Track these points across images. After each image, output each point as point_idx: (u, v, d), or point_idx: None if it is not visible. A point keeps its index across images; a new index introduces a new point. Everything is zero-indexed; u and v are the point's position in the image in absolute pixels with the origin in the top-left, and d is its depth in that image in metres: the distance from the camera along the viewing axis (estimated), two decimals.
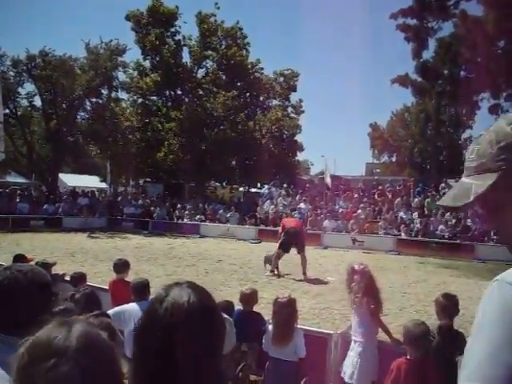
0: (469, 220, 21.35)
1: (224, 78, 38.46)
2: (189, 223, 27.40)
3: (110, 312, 4.80)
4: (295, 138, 39.54)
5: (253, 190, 38.82)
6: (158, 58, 37.38)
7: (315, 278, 13.68)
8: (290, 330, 5.05)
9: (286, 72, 41.26)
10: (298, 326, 5.25)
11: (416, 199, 24.96)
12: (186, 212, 28.41)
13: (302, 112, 42.05)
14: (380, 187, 28.38)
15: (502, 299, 1.07)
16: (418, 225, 22.05)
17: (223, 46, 38.24)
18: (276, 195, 29.70)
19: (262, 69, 40.50)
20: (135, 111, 37.55)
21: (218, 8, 38.26)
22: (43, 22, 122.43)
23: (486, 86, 26.73)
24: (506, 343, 1.02)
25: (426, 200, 24.18)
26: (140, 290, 5.46)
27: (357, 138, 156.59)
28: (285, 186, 30.48)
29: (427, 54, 27.85)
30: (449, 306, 4.81)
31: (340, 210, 25.80)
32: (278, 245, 14.32)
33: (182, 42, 38.59)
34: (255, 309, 5.90)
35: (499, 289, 1.09)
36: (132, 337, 1.54)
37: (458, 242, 20.48)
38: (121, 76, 34.83)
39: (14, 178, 37.94)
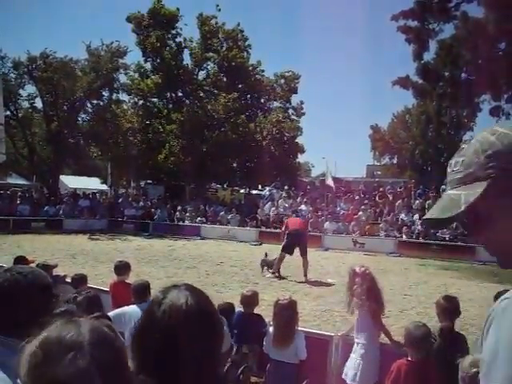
0: None
1: (225, 79, 38.46)
2: (189, 225, 27.40)
3: (110, 314, 4.80)
4: (296, 140, 39.50)
5: (254, 191, 38.80)
6: (158, 60, 37.39)
7: (316, 280, 13.67)
8: (290, 332, 5.05)
9: (286, 74, 41.24)
10: (299, 328, 5.25)
11: (417, 201, 24.92)
12: (187, 214, 28.42)
13: (303, 114, 42.04)
14: (381, 189, 28.38)
15: None
16: (419, 227, 22.01)
17: (224, 48, 38.24)
18: (277, 197, 29.69)
19: (263, 71, 40.56)
20: (136, 113, 37.54)
21: (219, 10, 38.37)
22: (44, 24, 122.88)
23: (487, 87, 26.69)
24: None
25: (427, 202, 24.11)
26: (140, 292, 5.45)
27: (357, 140, 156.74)
28: (286, 187, 30.46)
29: (428, 56, 27.80)
30: (450, 308, 4.81)
31: (341, 212, 25.79)
32: (281, 248, 14.29)
33: (183, 44, 38.62)
34: (256, 311, 5.90)
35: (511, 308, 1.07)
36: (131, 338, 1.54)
37: (458, 243, 20.44)
38: (122, 78, 34.90)
39: (14, 180, 37.95)
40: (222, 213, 28.12)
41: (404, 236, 22.05)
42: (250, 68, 39.18)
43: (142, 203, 30.69)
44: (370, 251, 21.15)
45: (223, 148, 33.29)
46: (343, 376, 5.13)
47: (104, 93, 32.86)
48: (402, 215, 23.49)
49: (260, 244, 23.26)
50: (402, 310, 10.05)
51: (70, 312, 3.24)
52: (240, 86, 38.03)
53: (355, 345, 5.14)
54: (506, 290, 1.17)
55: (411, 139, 53.10)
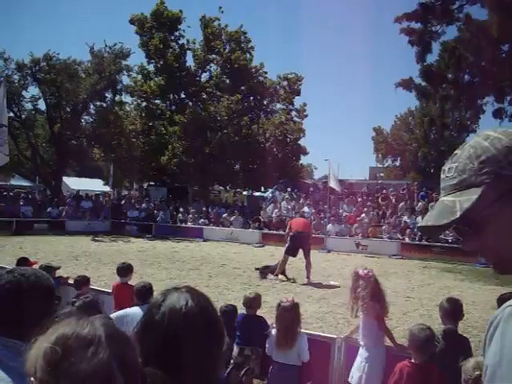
0: None
1: (228, 81, 38.51)
2: (192, 227, 27.41)
3: (112, 315, 4.81)
4: (299, 142, 39.48)
5: (256, 193, 38.79)
6: (161, 62, 37.48)
7: (319, 282, 13.65)
8: (293, 334, 5.05)
9: (289, 76, 41.21)
10: (302, 331, 5.24)
11: (420, 203, 24.88)
12: (190, 216, 28.43)
13: (306, 116, 41.99)
14: (384, 191, 28.37)
15: None
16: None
17: (227, 50, 38.29)
18: (280, 199, 29.70)
19: (266, 72, 40.55)
20: (139, 115, 37.60)
21: (222, 12, 38.51)
22: (47, 26, 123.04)
23: (490, 89, 26.68)
24: None
25: (430, 204, 24.07)
26: (143, 294, 5.46)
27: (360, 142, 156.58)
28: (288, 189, 30.49)
29: (431, 58, 27.79)
30: (453, 310, 4.80)
31: (344, 214, 25.77)
32: (284, 250, 14.26)
33: (186, 46, 38.74)
34: (258, 313, 5.90)
35: None
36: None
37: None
38: (125, 80, 34.92)
39: (17, 181, 37.96)
40: (225, 215, 28.12)
41: (407, 238, 22.01)
42: (253, 70, 39.20)
43: (144, 205, 30.69)
44: (373, 253, 21.12)
45: (226, 150, 33.32)
46: (349, 379, 5.13)
47: (107, 94, 32.86)
48: (405, 217, 23.45)
49: (263, 246, 23.29)
50: (405, 313, 10.03)
51: (72, 314, 3.24)
52: (243, 87, 38.03)
53: (360, 348, 5.14)
54: (510, 293, 1.16)
55: (414, 141, 53.14)
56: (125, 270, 7.22)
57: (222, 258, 18.42)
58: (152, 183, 39.60)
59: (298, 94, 41.49)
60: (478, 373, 2.94)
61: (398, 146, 59.03)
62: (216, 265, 16.61)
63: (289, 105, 41.50)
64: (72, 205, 28.96)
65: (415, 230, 22.24)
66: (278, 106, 41.87)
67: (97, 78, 30.75)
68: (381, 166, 64.88)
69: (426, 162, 49.85)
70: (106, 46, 31.96)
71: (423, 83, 29.00)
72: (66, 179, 40.65)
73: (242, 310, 5.89)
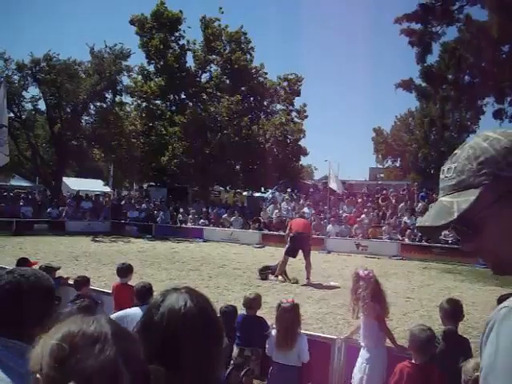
0: None
1: (228, 82, 38.52)
2: (192, 227, 27.40)
3: (112, 316, 4.79)
4: (299, 143, 39.50)
5: (256, 194, 38.78)
6: (162, 63, 37.50)
7: (319, 283, 13.65)
8: (293, 335, 5.05)
9: (289, 76, 41.21)
10: (302, 331, 5.24)
11: (420, 204, 24.87)
12: (190, 216, 28.42)
13: (306, 116, 41.98)
14: (384, 192, 28.36)
15: None
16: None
17: (227, 51, 38.32)
18: (280, 200, 29.71)
19: (266, 73, 40.57)
20: (139, 115, 37.59)
21: (222, 13, 38.52)
22: (47, 26, 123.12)
23: (490, 90, 26.69)
24: None
25: (430, 205, 24.05)
26: (143, 294, 5.46)
27: (360, 143, 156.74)
28: (288, 190, 30.48)
29: (431, 59, 27.80)
30: (453, 311, 4.80)
31: (344, 215, 25.77)
32: (284, 251, 14.25)
33: (186, 47, 38.76)
34: (258, 313, 5.89)
35: (510, 317, 1.06)
36: None
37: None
38: (125, 80, 34.92)
39: (18, 182, 38.00)
40: (225, 215, 28.12)
41: (407, 239, 22.01)
42: (253, 70, 39.22)
43: (144, 205, 30.70)
44: (373, 254, 21.12)
45: (226, 150, 33.33)
46: (351, 381, 5.12)
47: (107, 95, 32.85)
48: (405, 218, 23.44)
49: (263, 246, 23.28)
50: (405, 313, 10.02)
51: (72, 313, 3.24)
52: (243, 88, 38.04)
53: (361, 349, 5.13)
54: (510, 294, 1.16)
55: (414, 142, 53.15)
56: (125, 270, 7.21)
57: (222, 259, 18.42)
58: (152, 184, 39.61)
59: (298, 94, 41.49)
60: (478, 374, 2.92)
61: (398, 147, 59.06)
62: (216, 265, 16.61)
63: (289, 105, 41.51)
64: (72, 205, 28.96)
65: (415, 230, 22.25)
66: (278, 106, 41.92)
67: (97, 78, 30.74)
68: (381, 166, 64.93)
69: (426, 163, 49.85)
70: (106, 46, 32.01)
71: (423, 84, 29.03)
72: (66, 180, 40.65)
73: (242, 311, 5.89)
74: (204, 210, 29.65)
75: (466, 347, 4.64)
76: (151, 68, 38.91)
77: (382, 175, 59.36)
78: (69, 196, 32.68)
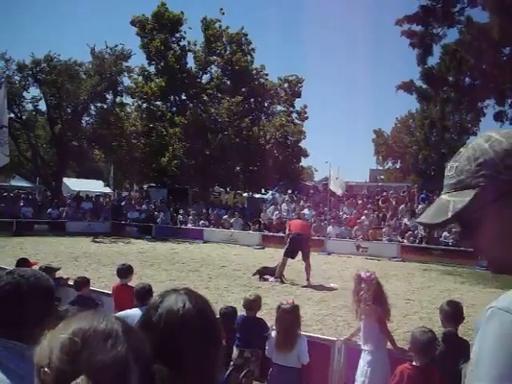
0: None
1: (228, 83, 38.54)
2: (192, 228, 27.39)
3: None
4: (299, 144, 39.51)
5: (257, 195, 38.78)
6: (162, 64, 37.51)
7: (319, 285, 13.64)
8: (293, 336, 5.04)
9: (290, 78, 41.24)
10: (302, 333, 5.24)
11: (420, 206, 24.85)
12: (190, 217, 28.41)
13: (307, 118, 42.01)
14: (384, 193, 28.36)
15: (499, 328, 1.05)
16: (422, 231, 21.97)
17: (228, 52, 38.34)
18: (280, 201, 29.70)
19: (267, 74, 40.59)
20: (140, 116, 37.62)
21: (223, 14, 38.51)
22: (48, 27, 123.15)
23: (490, 92, 26.69)
24: (503, 375, 1.00)
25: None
26: (143, 295, 5.46)
27: (361, 144, 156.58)
28: (289, 191, 30.49)
29: (432, 61, 27.82)
30: (453, 313, 4.79)
31: (344, 216, 25.77)
32: (283, 252, 14.23)
33: (187, 48, 38.79)
34: (258, 315, 5.89)
35: (496, 316, 1.07)
36: None
37: (461, 248, 20.37)
38: (126, 81, 34.98)
39: (18, 182, 37.97)
40: (225, 216, 28.11)
41: (406, 241, 22.01)
42: (254, 72, 39.25)
43: (144, 206, 30.71)
44: (373, 256, 21.12)
45: (226, 151, 33.32)
46: None
47: (108, 96, 32.87)
48: (405, 220, 23.43)
49: (263, 248, 23.26)
50: (405, 315, 10.01)
51: (67, 312, 3.22)
52: (243, 89, 38.05)
53: (362, 352, 5.12)
54: None
55: (414, 144, 53.08)
56: (125, 271, 7.21)
57: (222, 260, 18.41)
58: (152, 184, 39.61)
59: (299, 96, 41.53)
60: None
61: (399, 149, 59.04)
62: (216, 266, 16.60)
63: (289, 107, 41.54)
64: (72, 206, 28.97)
65: (415, 232, 22.27)
66: (279, 107, 41.97)
67: (97, 79, 30.75)
68: (381, 168, 64.91)
69: (426, 165, 49.80)
70: (106, 47, 32.05)
71: (424, 86, 29.06)
72: (66, 180, 40.64)
73: (241, 312, 5.88)
74: (204, 211, 29.65)
75: (466, 349, 4.62)
76: (152, 69, 38.97)
77: (382, 177, 59.40)
78: (69, 197, 32.68)
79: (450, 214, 1.20)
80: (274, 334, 5.22)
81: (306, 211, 25.93)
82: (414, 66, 27.50)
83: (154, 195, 35.26)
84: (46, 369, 1.03)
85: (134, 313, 5.12)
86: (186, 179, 36.07)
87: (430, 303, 11.10)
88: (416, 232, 22.25)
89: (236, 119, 34.58)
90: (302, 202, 28.31)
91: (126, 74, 34.07)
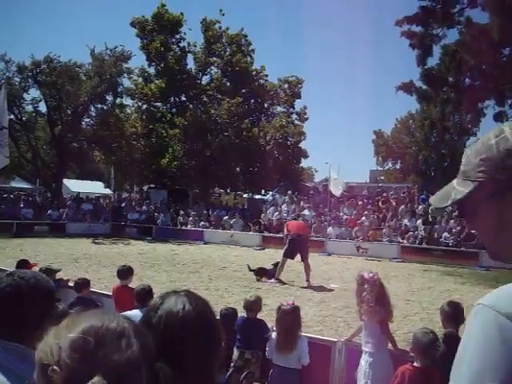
0: None
1: (228, 84, 38.59)
2: (193, 229, 27.38)
3: None
4: (299, 145, 39.55)
5: (257, 196, 38.83)
6: (162, 65, 37.53)
7: (319, 285, 13.63)
8: (293, 337, 5.04)
9: (290, 79, 41.28)
10: (302, 334, 5.23)
11: (420, 206, 24.87)
12: (190, 218, 28.39)
13: (307, 119, 42.05)
14: (384, 194, 28.34)
15: (482, 325, 1.07)
16: (422, 232, 21.97)
17: (228, 53, 38.39)
18: (280, 202, 29.69)
19: (267, 75, 40.67)
20: (140, 117, 37.66)
21: (223, 15, 38.55)
22: (48, 28, 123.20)
23: (490, 93, 26.66)
24: (485, 371, 1.02)
25: (430, 207, 24.09)
26: (143, 297, 5.45)
27: (361, 145, 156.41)
28: (289, 192, 30.45)
29: (432, 61, 27.79)
30: (454, 314, 4.78)
31: (344, 217, 25.75)
32: (282, 253, 14.21)
33: (187, 49, 38.83)
34: (258, 316, 5.88)
35: (481, 313, 1.09)
36: None
37: (462, 249, 20.41)
38: (125, 82, 34.99)
39: (18, 184, 37.99)
40: (225, 217, 28.10)
41: (407, 241, 22.00)
42: (254, 73, 39.29)
43: (145, 207, 30.70)
44: (373, 256, 21.12)
45: (226, 152, 33.33)
46: None
47: (108, 97, 32.87)
48: (405, 220, 23.43)
49: (263, 249, 23.25)
50: (405, 316, 9.99)
51: (64, 313, 3.21)
52: (243, 90, 38.10)
53: (363, 353, 5.10)
54: None
55: (414, 144, 53.13)
56: (125, 272, 7.20)
57: (223, 261, 18.40)
58: (152, 186, 39.62)
59: (299, 96, 41.57)
60: None
61: (399, 149, 59.03)
62: (216, 268, 16.60)
63: (289, 108, 41.59)
64: (72, 207, 28.96)
65: (415, 233, 22.27)
66: (279, 108, 42.02)
67: (97, 80, 30.75)
68: (381, 169, 64.87)
69: (426, 165, 49.84)
70: (106, 48, 32.06)
71: (424, 86, 29.02)
72: (66, 181, 40.66)
73: (242, 313, 5.88)
74: (204, 212, 29.63)
75: None
76: (152, 70, 39.01)
77: (382, 177, 59.36)
78: (69, 198, 32.63)
79: (449, 202, 1.25)
80: (274, 335, 5.22)
81: (306, 212, 25.93)
82: (413, 66, 27.47)
83: (154, 196, 35.23)
84: (54, 367, 1.02)
85: (134, 314, 5.10)
86: (186, 180, 36.07)
87: (431, 304, 11.10)
88: (416, 233, 22.26)
89: (236, 120, 34.60)
90: (302, 203, 28.29)
91: (126, 76, 34.12)
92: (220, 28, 38.29)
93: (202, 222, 28.00)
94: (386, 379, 4.86)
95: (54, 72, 30.37)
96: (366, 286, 5.04)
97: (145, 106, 38.62)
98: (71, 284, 7.36)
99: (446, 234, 21.45)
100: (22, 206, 27.51)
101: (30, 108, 32.69)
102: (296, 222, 15.59)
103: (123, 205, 32.15)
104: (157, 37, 37.06)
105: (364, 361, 5.05)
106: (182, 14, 37.92)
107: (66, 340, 1.04)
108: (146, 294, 5.51)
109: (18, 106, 30.85)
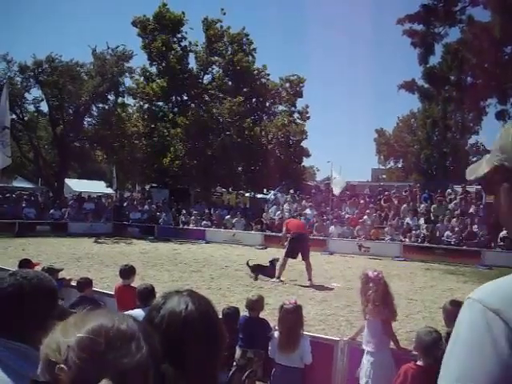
0: (475, 226, 21.28)
1: (230, 83, 38.53)
2: (194, 229, 27.37)
3: None
4: (301, 144, 39.54)
5: (259, 195, 38.80)
6: (164, 64, 37.49)
7: (321, 284, 13.62)
8: (296, 336, 5.04)
9: (292, 78, 41.26)
10: (304, 333, 5.23)
11: (422, 205, 24.84)
12: (192, 217, 28.37)
13: (308, 118, 42.03)
14: (386, 193, 28.29)
15: (469, 318, 1.10)
16: (425, 231, 21.95)
17: (229, 52, 38.32)
18: (282, 201, 29.65)
19: (268, 74, 40.56)
20: (141, 117, 37.65)
21: (224, 14, 38.44)
22: (50, 28, 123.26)
23: (492, 91, 26.66)
24: (472, 368, 1.03)
25: (433, 206, 24.09)
26: (145, 296, 5.45)
27: (363, 144, 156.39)
28: (291, 191, 30.42)
29: (434, 60, 27.82)
30: (456, 312, 4.74)
31: (346, 216, 25.72)
32: (284, 253, 14.20)
33: (189, 48, 38.73)
34: (260, 315, 5.88)
35: (470, 307, 1.12)
36: None
37: (464, 248, 20.39)
38: (127, 82, 35.06)
39: (20, 183, 38.04)
40: (227, 216, 28.08)
41: (409, 240, 21.98)
42: (255, 72, 39.22)
43: (146, 207, 30.67)
44: (375, 255, 21.10)
45: (228, 152, 33.30)
46: None
47: (109, 96, 32.91)
48: (408, 219, 23.39)
49: (265, 248, 23.24)
50: (408, 315, 9.97)
51: (63, 312, 3.20)
52: (245, 89, 38.05)
53: (365, 353, 5.09)
54: None
55: (416, 143, 53.08)
56: (127, 271, 7.21)
57: (225, 260, 18.40)
58: (154, 185, 39.59)
59: (301, 95, 41.55)
60: None
61: (401, 148, 59.01)
62: (218, 267, 16.60)
63: (291, 107, 41.58)
64: (74, 207, 28.95)
65: (418, 231, 22.24)
66: (281, 107, 41.99)
67: (99, 80, 30.76)
68: (383, 167, 64.84)
69: (428, 164, 49.79)
70: (108, 48, 32.11)
71: (426, 85, 29.05)
72: (68, 181, 40.72)
73: (244, 313, 5.87)
74: (206, 211, 29.62)
75: None
76: (153, 69, 38.97)
77: (384, 176, 59.35)
78: (71, 197, 32.62)
79: (473, 177, 1.31)
80: (276, 334, 5.22)
81: (307, 211, 25.94)
82: (415, 65, 27.51)
83: (156, 196, 35.21)
84: (62, 365, 1.01)
85: (136, 314, 5.11)
86: (187, 179, 36.05)
87: (433, 303, 11.09)
88: (418, 231, 22.24)
89: (238, 119, 34.56)
90: (304, 202, 28.27)
91: (128, 75, 34.14)
92: (221, 27, 38.21)
93: (204, 222, 27.99)
94: (387, 378, 4.85)
95: (56, 72, 30.38)
96: (370, 285, 5.02)
97: (146, 106, 38.60)
98: (74, 283, 7.36)
99: (448, 233, 21.43)
100: (24, 205, 27.49)
101: (31, 108, 32.80)
102: (296, 220, 15.60)
103: (125, 204, 32.14)
104: (158, 36, 37.01)
105: (366, 360, 5.04)
106: (183, 13, 37.87)
107: (74, 338, 1.03)
108: (148, 293, 5.51)
109: (19, 105, 30.88)
